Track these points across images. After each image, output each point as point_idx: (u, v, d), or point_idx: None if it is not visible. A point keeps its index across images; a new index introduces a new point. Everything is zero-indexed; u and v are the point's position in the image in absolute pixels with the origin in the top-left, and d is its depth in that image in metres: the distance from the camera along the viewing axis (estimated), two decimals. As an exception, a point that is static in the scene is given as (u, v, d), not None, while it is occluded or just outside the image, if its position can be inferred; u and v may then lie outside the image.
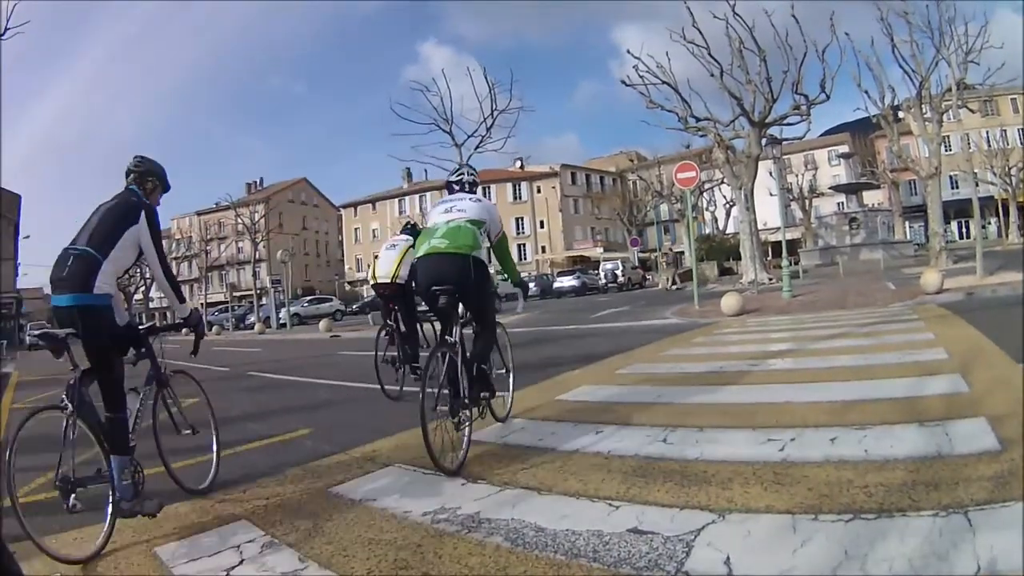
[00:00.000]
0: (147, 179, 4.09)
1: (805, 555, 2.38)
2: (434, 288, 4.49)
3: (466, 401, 4.43)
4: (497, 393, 4.99)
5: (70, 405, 3.56)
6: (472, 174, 5.23)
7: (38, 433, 7.82)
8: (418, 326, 8.11)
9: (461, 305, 4.69)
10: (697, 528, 2.73)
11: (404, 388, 7.41)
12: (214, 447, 4.64)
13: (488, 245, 4.86)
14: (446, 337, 4.56)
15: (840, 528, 2.57)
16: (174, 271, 4.27)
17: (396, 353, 7.91)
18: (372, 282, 8.29)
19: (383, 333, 8.09)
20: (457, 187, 5.10)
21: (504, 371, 5.41)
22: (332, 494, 3.89)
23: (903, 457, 3.35)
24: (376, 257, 8.36)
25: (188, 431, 4.33)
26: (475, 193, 5.11)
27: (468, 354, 4.61)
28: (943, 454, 3.34)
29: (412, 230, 8.42)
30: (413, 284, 6.25)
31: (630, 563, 2.50)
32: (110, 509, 3.48)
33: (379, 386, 7.41)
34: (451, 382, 4.35)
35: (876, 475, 3.14)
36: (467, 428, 4.41)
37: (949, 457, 3.28)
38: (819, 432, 4.01)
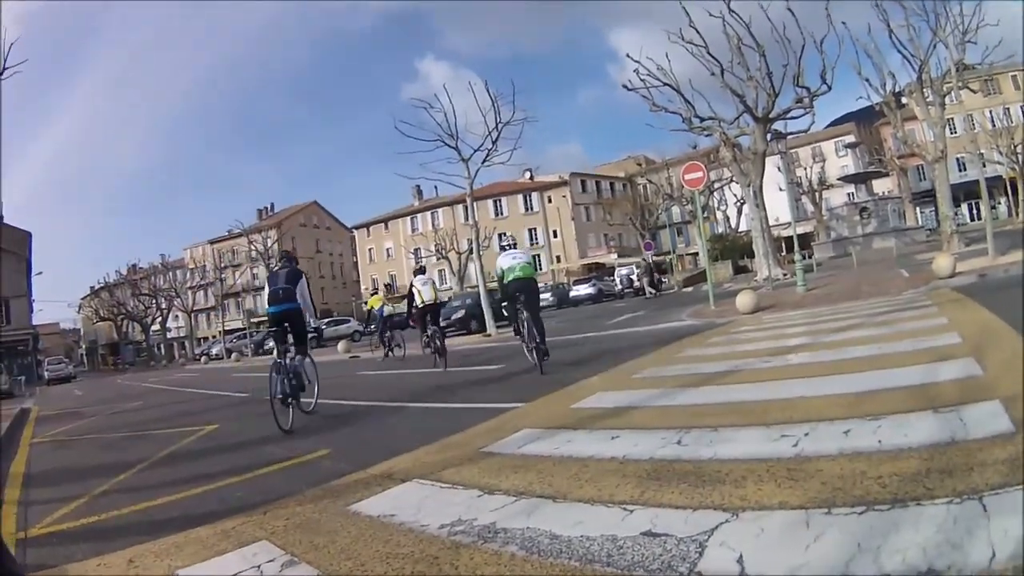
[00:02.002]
0: (295, 262, 8.97)
1: (818, 550, 2.37)
2: (518, 293, 9.98)
3: (537, 343, 9.60)
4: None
5: (284, 360, 7.97)
6: (513, 240, 11.72)
7: (59, 467, 7.93)
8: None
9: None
10: (710, 528, 2.72)
11: (443, 368, 12.51)
12: (316, 389, 8.90)
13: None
14: (519, 310, 10.04)
15: (853, 521, 2.56)
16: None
17: (434, 345, 13.26)
18: (421, 303, 13.74)
19: (425, 336, 13.94)
20: (508, 247, 10.79)
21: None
22: (351, 512, 3.91)
23: (917, 445, 3.33)
24: (417, 290, 13.83)
25: (308, 381, 8.55)
26: (517, 248, 11.08)
27: (535, 320, 9.78)
28: (957, 440, 3.31)
29: (424, 271, 14.98)
30: (505, 291, 10.61)
31: (643, 566, 2.51)
32: (292, 405, 7.83)
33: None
34: (528, 332, 9.81)
35: (890, 465, 3.12)
36: (539, 353, 9.57)
37: (963, 442, 3.26)
38: (833, 425, 3.99)
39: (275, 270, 8.98)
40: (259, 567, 3.16)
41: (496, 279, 10.85)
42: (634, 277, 42.72)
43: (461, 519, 3.39)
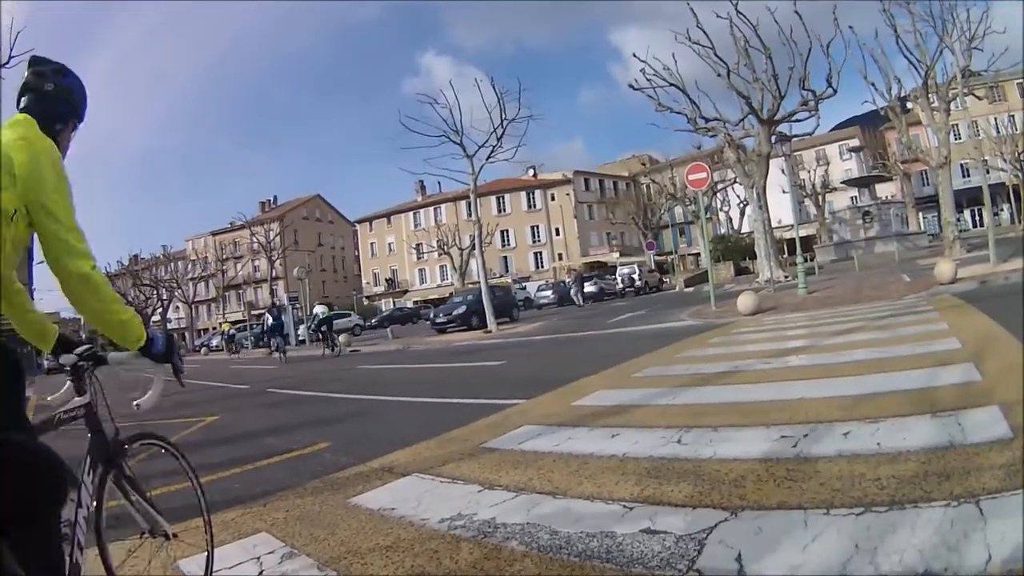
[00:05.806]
0: (280, 309, 31.61)
1: (816, 550, 2.39)
2: (324, 324, 23.99)
3: (333, 344, 23.61)
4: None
5: (277, 340, 25.11)
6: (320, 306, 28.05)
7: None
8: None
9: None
10: (709, 526, 2.75)
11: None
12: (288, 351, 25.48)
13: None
14: (325, 331, 23.76)
15: (851, 522, 2.58)
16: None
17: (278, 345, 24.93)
18: (272, 322, 25.11)
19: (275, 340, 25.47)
20: (321, 303, 28.07)
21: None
22: (351, 504, 3.93)
23: (915, 449, 3.35)
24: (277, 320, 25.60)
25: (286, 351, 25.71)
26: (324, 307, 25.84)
27: (332, 335, 23.99)
28: (955, 444, 3.33)
29: (279, 315, 26.10)
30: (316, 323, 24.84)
31: (643, 563, 2.52)
32: (281, 355, 24.02)
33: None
34: (332, 339, 23.41)
35: (888, 468, 3.14)
36: (334, 349, 23.15)
37: (961, 447, 3.28)
38: (832, 427, 4.02)
39: (272, 309, 25.25)
40: (259, 559, 3.18)
41: (314, 316, 25.16)
42: (636, 276, 42.83)
43: (461, 514, 3.41)
